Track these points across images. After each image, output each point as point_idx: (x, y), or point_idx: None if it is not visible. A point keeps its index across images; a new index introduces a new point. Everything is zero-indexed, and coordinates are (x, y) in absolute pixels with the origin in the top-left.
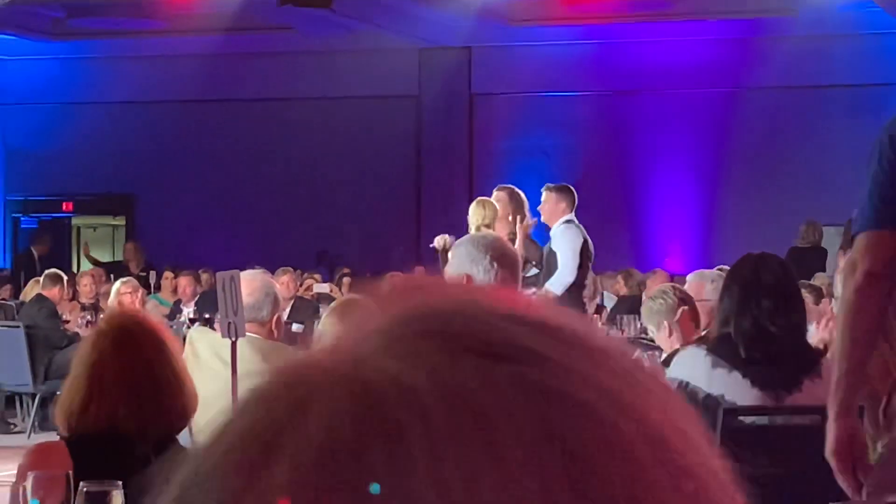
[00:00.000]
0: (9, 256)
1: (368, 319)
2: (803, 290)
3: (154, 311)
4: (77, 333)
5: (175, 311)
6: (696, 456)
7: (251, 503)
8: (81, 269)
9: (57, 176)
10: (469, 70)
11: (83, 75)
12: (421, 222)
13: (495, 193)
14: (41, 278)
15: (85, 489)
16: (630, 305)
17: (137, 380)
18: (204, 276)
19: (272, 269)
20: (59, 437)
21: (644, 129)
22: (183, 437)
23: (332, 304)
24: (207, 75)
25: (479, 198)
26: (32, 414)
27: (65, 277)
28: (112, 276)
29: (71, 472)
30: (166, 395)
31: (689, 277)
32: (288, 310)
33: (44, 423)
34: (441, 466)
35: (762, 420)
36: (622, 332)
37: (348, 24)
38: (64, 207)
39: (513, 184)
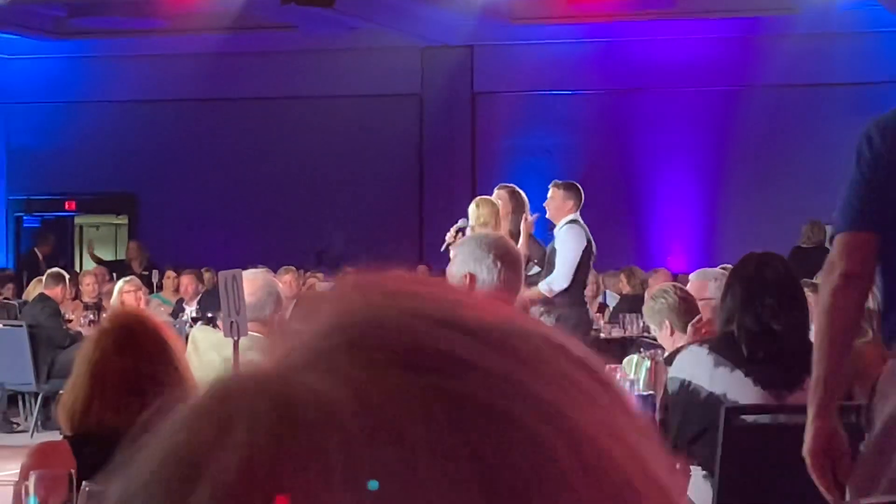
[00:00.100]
0: (11, 256)
1: (304, 327)
2: (806, 289)
3: (157, 311)
4: (80, 332)
5: (177, 310)
6: (638, 468)
7: None
8: (84, 269)
9: (59, 175)
10: (471, 69)
11: (85, 74)
12: (423, 221)
13: (496, 192)
14: (44, 277)
15: (87, 488)
16: (632, 304)
17: (140, 379)
18: (206, 276)
19: (274, 268)
20: (61, 436)
21: (646, 128)
22: None
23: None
24: (209, 74)
25: (478, 197)
26: (35, 413)
27: (67, 277)
28: (115, 275)
29: (74, 471)
30: (169, 395)
31: (691, 276)
32: (290, 309)
33: (46, 423)
34: (357, 483)
35: (764, 419)
36: (625, 330)
37: (350, 22)
38: (66, 206)
39: (515, 182)
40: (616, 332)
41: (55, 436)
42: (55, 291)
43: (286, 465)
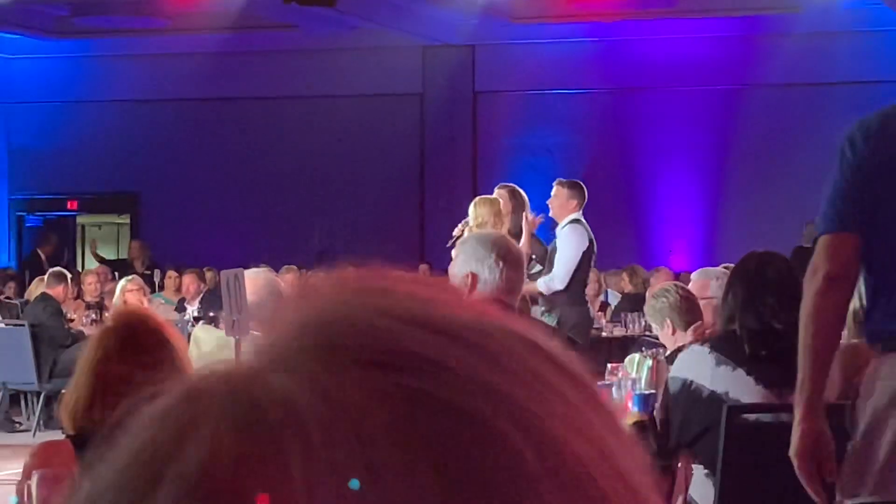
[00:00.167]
0: (13, 255)
1: (278, 325)
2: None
3: (160, 310)
4: (82, 332)
5: (179, 309)
6: (605, 467)
7: None
8: (86, 268)
9: (61, 174)
10: (472, 68)
11: (87, 73)
12: (424, 220)
13: (496, 192)
14: (46, 277)
15: None
16: (634, 303)
17: (143, 378)
18: (208, 275)
19: (276, 268)
20: (64, 435)
21: (648, 127)
22: None
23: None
24: (211, 73)
25: (477, 197)
26: (37, 412)
27: (69, 276)
28: (117, 274)
29: (76, 470)
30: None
31: (693, 275)
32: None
33: (49, 422)
34: (317, 483)
35: (766, 417)
36: (626, 329)
37: (352, 21)
38: (69, 206)
39: (516, 181)
40: (618, 331)
41: (57, 435)
42: (57, 291)
43: (247, 466)
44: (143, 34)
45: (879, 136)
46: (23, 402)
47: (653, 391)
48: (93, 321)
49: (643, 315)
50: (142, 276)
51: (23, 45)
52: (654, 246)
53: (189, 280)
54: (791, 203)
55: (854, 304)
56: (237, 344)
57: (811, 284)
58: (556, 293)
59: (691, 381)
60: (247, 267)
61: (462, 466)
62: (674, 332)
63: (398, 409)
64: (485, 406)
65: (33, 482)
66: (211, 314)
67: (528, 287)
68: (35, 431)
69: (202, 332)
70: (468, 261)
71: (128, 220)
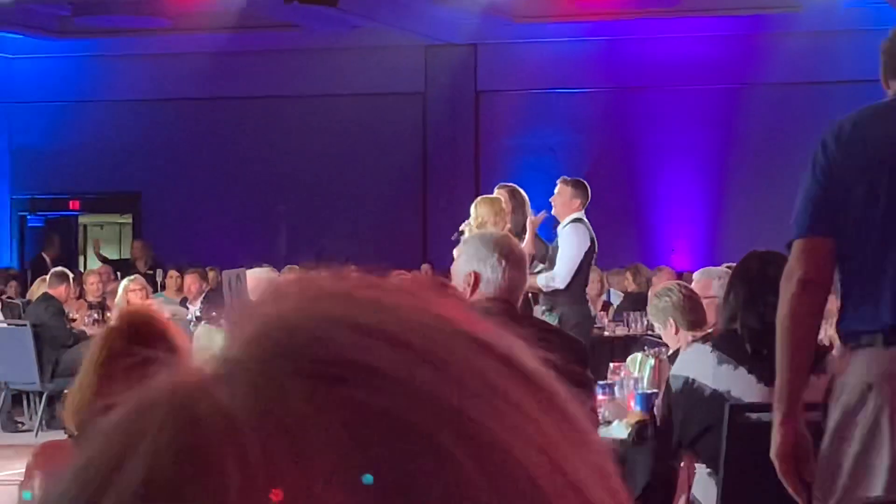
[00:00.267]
0: (15, 256)
1: (234, 332)
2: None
3: (166, 309)
4: (84, 332)
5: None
6: (555, 478)
7: None
8: (88, 268)
9: (63, 174)
10: (475, 67)
11: (89, 73)
12: (426, 219)
13: (496, 192)
14: (48, 277)
15: None
16: (636, 302)
17: (147, 378)
18: (210, 275)
19: (279, 268)
20: (67, 435)
21: (649, 126)
22: None
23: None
24: (213, 73)
25: (478, 197)
26: (40, 412)
27: (71, 276)
28: (119, 274)
29: None
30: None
31: (695, 275)
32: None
33: (51, 422)
34: (253, 500)
35: (768, 416)
36: (629, 328)
37: (354, 21)
38: (70, 206)
39: (519, 181)
40: (620, 330)
41: (60, 435)
42: (59, 291)
43: (184, 487)
44: (144, 34)
45: (851, 139)
46: (25, 403)
47: (655, 390)
48: (95, 321)
49: (645, 314)
50: (144, 275)
51: (24, 45)
52: (655, 245)
53: (191, 280)
54: (793, 202)
55: None
56: None
57: (787, 288)
58: (557, 292)
59: (693, 380)
60: (249, 266)
61: (400, 479)
62: (677, 332)
63: (338, 423)
64: (427, 418)
65: (36, 483)
66: (213, 314)
67: (529, 281)
68: (37, 431)
69: (205, 332)
70: (470, 260)
71: (130, 220)
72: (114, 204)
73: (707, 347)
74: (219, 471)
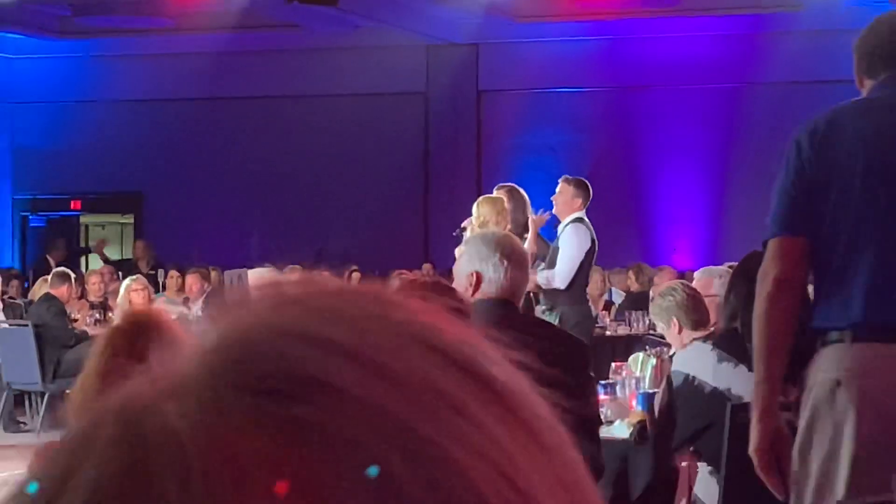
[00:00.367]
0: (17, 256)
1: (195, 342)
2: (809, 286)
3: (169, 309)
4: (86, 332)
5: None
6: (501, 485)
7: None
8: (90, 268)
9: (65, 174)
10: (476, 67)
11: (90, 73)
12: (428, 219)
13: (495, 192)
14: (49, 277)
15: None
16: (638, 301)
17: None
18: (212, 275)
19: (280, 267)
20: None
21: (651, 125)
22: None
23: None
24: (214, 73)
25: (480, 197)
26: (42, 412)
27: (73, 276)
28: (121, 274)
29: None
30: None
31: (696, 274)
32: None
33: (53, 422)
34: None
35: None
36: (630, 327)
37: (355, 20)
38: (72, 206)
39: (521, 180)
40: (622, 330)
41: None
42: (61, 291)
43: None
44: (145, 34)
45: (825, 137)
46: (27, 403)
47: (656, 390)
48: (97, 321)
49: (647, 314)
50: (146, 275)
51: (25, 45)
52: (657, 244)
53: (192, 280)
54: None
55: None
56: None
57: (762, 288)
58: (557, 292)
59: (693, 377)
60: (250, 266)
61: (337, 497)
62: (680, 331)
63: (278, 440)
64: (374, 435)
65: None
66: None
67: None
68: (39, 432)
69: None
70: (472, 260)
71: (131, 220)
72: (115, 204)
73: (707, 345)
74: (159, 492)
